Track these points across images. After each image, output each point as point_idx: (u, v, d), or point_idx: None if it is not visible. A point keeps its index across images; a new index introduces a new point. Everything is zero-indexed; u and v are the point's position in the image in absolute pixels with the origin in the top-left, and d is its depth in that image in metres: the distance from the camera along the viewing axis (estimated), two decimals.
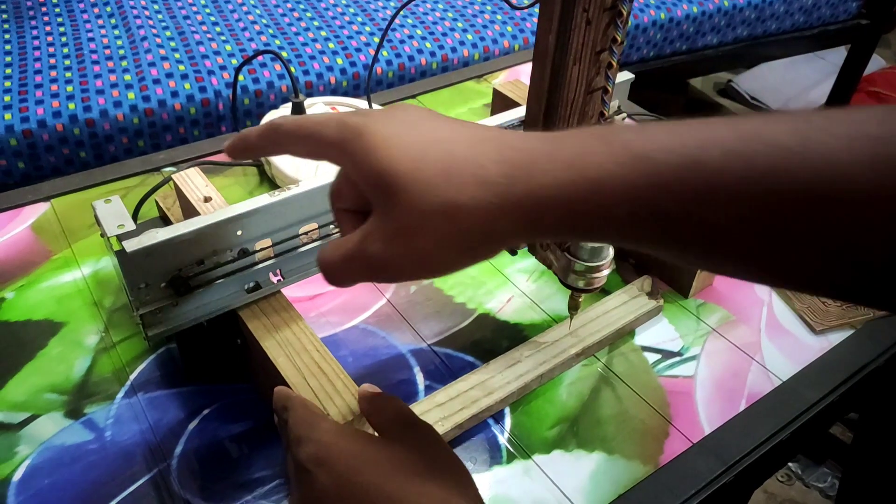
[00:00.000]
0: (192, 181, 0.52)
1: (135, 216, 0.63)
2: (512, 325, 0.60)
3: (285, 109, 0.77)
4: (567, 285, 0.52)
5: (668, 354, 0.58)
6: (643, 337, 0.60)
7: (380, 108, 0.69)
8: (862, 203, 0.24)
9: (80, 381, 0.53)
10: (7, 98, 1.01)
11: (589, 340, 0.57)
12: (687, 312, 0.62)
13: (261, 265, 0.48)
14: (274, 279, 0.50)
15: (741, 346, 0.59)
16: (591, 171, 0.28)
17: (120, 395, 0.52)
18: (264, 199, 0.45)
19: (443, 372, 0.56)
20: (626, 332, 0.60)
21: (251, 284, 0.49)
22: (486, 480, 0.48)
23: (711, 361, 0.58)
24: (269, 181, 0.74)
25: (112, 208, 0.45)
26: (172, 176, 0.52)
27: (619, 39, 0.43)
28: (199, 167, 0.53)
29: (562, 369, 0.56)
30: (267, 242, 0.48)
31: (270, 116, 0.77)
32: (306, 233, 0.50)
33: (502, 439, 0.51)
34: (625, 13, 0.42)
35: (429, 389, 0.54)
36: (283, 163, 0.70)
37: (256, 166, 0.75)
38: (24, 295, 0.60)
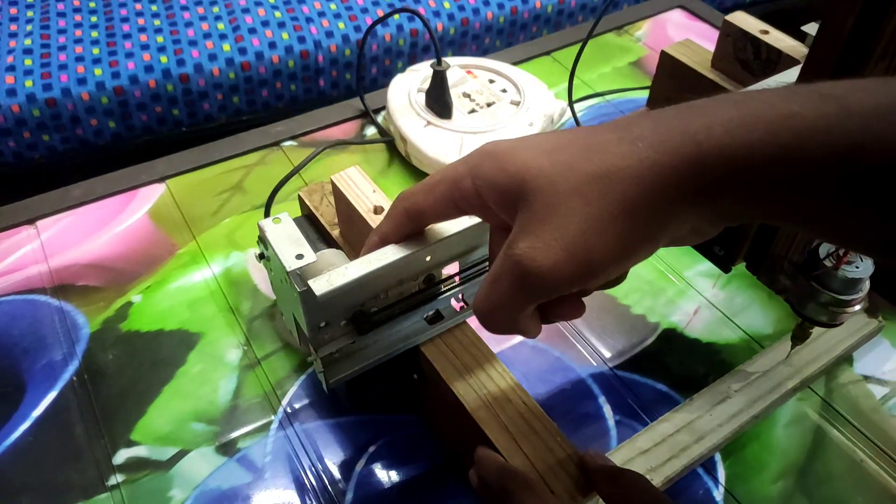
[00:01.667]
0: (357, 185, 0.44)
1: (267, 211, 0.56)
2: (704, 345, 0.52)
3: (414, 74, 0.68)
4: (802, 315, 0.43)
5: None
6: (863, 364, 0.51)
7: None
8: None
9: (228, 408, 0.47)
10: (95, 51, 0.94)
11: (807, 371, 0.48)
12: None
13: (445, 293, 0.41)
14: (457, 306, 0.42)
15: None
16: (769, 112, 0.23)
17: (274, 425, 0.46)
18: (468, 220, 0.37)
19: (632, 404, 0.48)
20: (844, 358, 0.51)
21: (431, 314, 0.42)
22: None
23: None
24: (402, 158, 0.66)
25: (284, 231, 0.37)
26: (332, 178, 0.44)
27: None
28: (356, 167, 0.45)
29: (776, 406, 0.48)
30: (455, 267, 0.41)
31: (397, 81, 0.68)
32: None
33: (718, 494, 0.44)
34: None
35: (620, 426, 0.47)
36: (422, 140, 0.62)
37: (385, 143, 0.67)
38: (153, 298, 0.54)
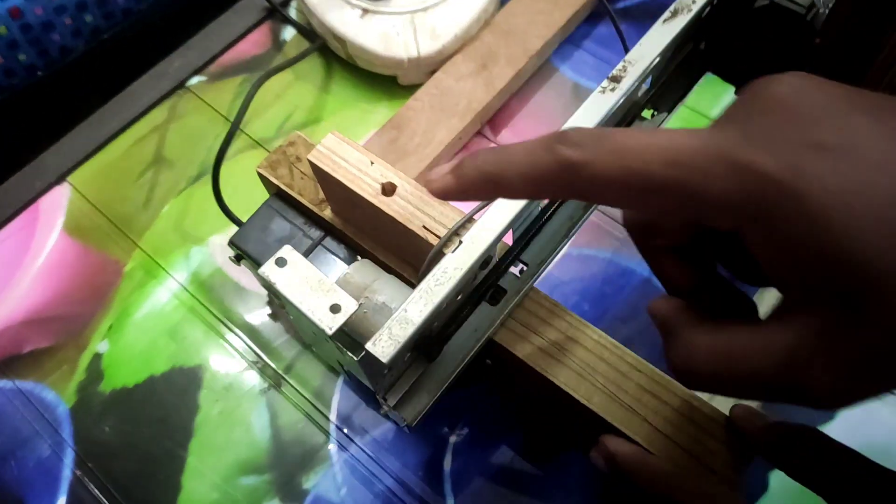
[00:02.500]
0: (347, 160, 0.33)
1: (216, 192, 0.44)
2: None
3: None
4: None
5: None
6: None
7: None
8: None
9: (272, 446, 0.40)
10: None
11: None
12: None
13: (507, 269, 0.33)
14: (515, 271, 0.34)
15: None
16: None
17: (333, 448, 0.40)
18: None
19: None
20: None
21: (489, 292, 0.34)
22: None
23: None
24: (342, 62, 0.53)
25: (296, 273, 0.28)
26: (309, 158, 0.33)
27: None
28: (334, 133, 0.34)
29: None
30: (508, 236, 0.32)
31: None
32: None
33: None
34: None
35: None
36: (365, 36, 0.49)
37: (318, 50, 0.54)
38: (122, 341, 0.44)
